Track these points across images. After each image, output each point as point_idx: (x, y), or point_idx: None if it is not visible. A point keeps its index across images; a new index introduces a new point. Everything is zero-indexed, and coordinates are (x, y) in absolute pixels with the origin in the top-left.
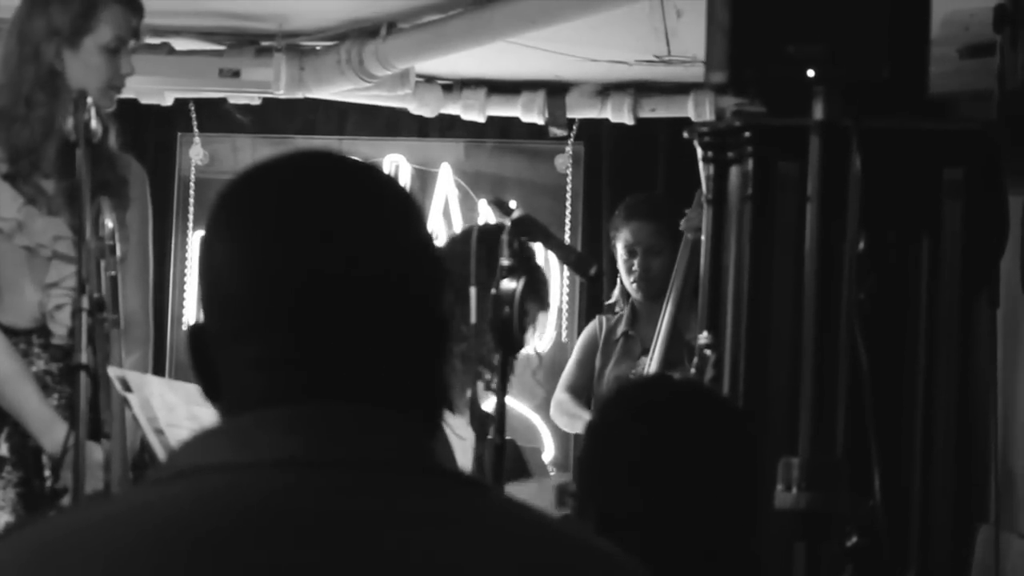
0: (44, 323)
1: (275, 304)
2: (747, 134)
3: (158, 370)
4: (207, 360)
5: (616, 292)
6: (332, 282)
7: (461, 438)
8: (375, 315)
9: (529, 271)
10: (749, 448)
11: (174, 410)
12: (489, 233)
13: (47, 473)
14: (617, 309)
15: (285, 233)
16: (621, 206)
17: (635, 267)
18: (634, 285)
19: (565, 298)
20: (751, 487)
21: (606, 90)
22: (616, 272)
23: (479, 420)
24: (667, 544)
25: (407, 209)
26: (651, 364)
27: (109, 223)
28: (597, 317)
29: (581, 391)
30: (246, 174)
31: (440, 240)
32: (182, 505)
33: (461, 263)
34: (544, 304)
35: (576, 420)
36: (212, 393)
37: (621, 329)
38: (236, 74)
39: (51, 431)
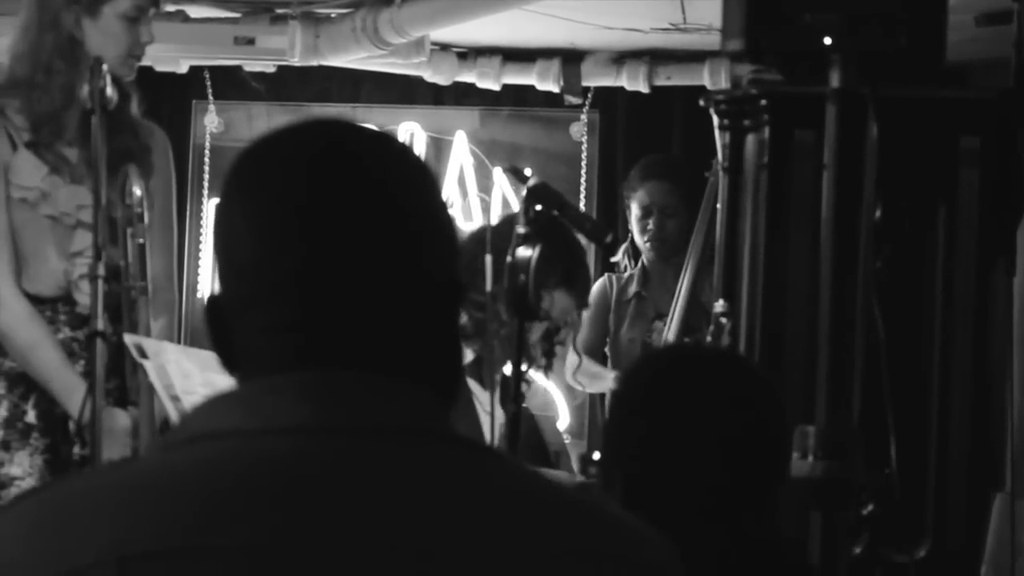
0: (69, 291)
1: (287, 271)
2: (763, 102)
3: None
4: (223, 329)
5: (621, 251)
6: (344, 250)
7: (488, 414)
8: (386, 284)
9: (573, 273)
10: (777, 415)
11: (189, 377)
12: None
13: (74, 439)
14: (623, 267)
15: (298, 201)
16: (637, 166)
17: (649, 227)
18: (647, 245)
19: None
20: (777, 455)
21: (621, 58)
22: (629, 235)
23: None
24: (691, 511)
25: (421, 179)
26: (670, 330)
27: (137, 191)
28: (606, 275)
29: (595, 350)
30: (260, 142)
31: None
32: (191, 469)
33: (470, 270)
34: (582, 301)
35: (598, 380)
36: (229, 362)
37: (633, 290)
38: (251, 42)
39: (74, 394)
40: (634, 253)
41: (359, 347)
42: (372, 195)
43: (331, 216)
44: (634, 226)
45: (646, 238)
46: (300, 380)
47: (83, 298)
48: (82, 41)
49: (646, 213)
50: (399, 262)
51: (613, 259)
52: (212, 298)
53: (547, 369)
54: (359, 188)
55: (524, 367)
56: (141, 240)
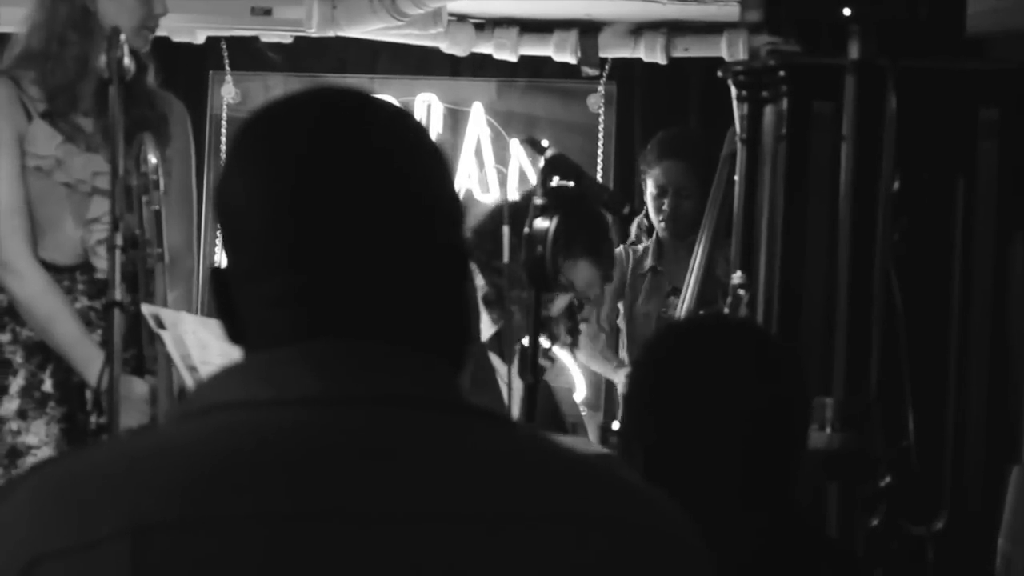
0: (86, 259)
1: (289, 241)
2: (782, 73)
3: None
4: (229, 302)
5: (634, 226)
6: (349, 220)
7: (507, 384)
8: (389, 252)
9: (597, 243)
10: (799, 386)
11: (207, 347)
12: (520, 210)
13: (91, 408)
14: (634, 238)
15: (302, 169)
16: (652, 142)
17: (664, 207)
18: (662, 224)
19: None
20: (798, 427)
21: (639, 29)
22: (643, 209)
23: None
24: (711, 482)
25: (422, 146)
26: (685, 302)
27: (153, 158)
28: (621, 247)
29: (611, 323)
30: (261, 111)
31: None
32: (205, 440)
33: (492, 240)
34: (607, 273)
35: (604, 363)
36: (235, 335)
37: (648, 263)
38: (268, 12)
39: (94, 366)
40: (648, 227)
41: (366, 317)
42: (371, 163)
43: (330, 186)
44: (649, 203)
45: (661, 217)
46: (311, 351)
47: (101, 264)
48: (95, 12)
49: (661, 192)
50: (401, 230)
51: (629, 244)
52: (217, 270)
53: (572, 346)
54: (357, 157)
55: (548, 344)
56: (156, 207)
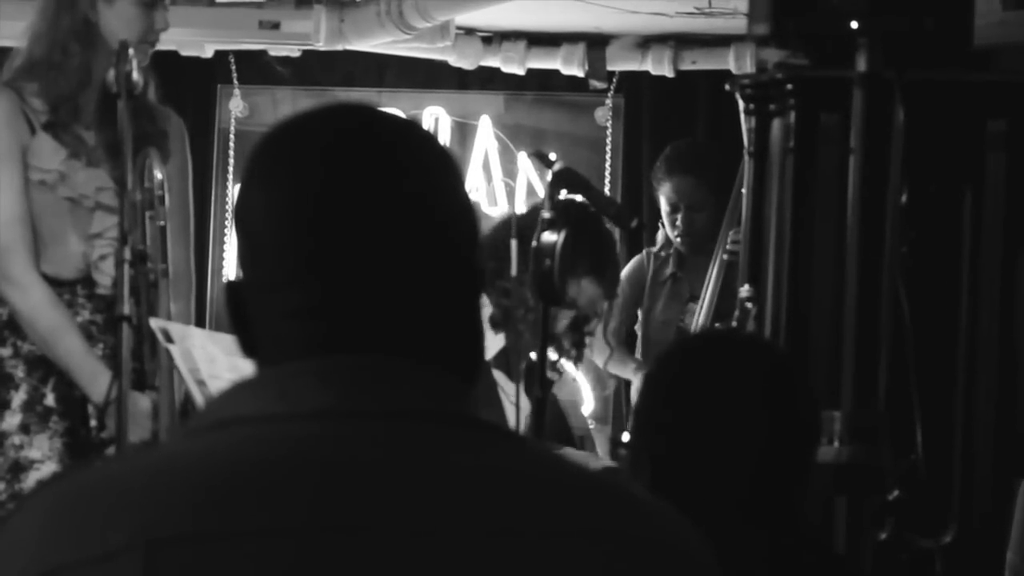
0: (88, 274)
1: (305, 256)
2: (789, 86)
3: (198, 324)
4: (244, 314)
5: (660, 237)
6: (366, 234)
7: (514, 404)
8: (404, 268)
9: (601, 262)
10: (807, 401)
11: (215, 361)
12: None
13: (93, 423)
14: (662, 253)
15: (314, 185)
16: (662, 158)
17: (678, 222)
18: (679, 240)
19: None
20: (806, 442)
21: (647, 42)
22: (656, 218)
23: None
24: (718, 496)
25: (440, 163)
26: (701, 316)
27: (158, 174)
28: (644, 251)
29: (627, 328)
30: (279, 127)
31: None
32: (218, 454)
33: (499, 254)
34: (611, 291)
35: (623, 368)
36: (249, 348)
37: (669, 270)
38: (276, 26)
39: (97, 381)
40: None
41: (381, 332)
42: (389, 179)
43: (348, 200)
44: (664, 219)
45: (676, 233)
46: (325, 365)
47: (103, 279)
48: (97, 23)
49: (674, 208)
50: (416, 245)
51: (652, 249)
52: (232, 283)
53: (577, 360)
54: (375, 172)
55: (555, 356)
56: (162, 223)
